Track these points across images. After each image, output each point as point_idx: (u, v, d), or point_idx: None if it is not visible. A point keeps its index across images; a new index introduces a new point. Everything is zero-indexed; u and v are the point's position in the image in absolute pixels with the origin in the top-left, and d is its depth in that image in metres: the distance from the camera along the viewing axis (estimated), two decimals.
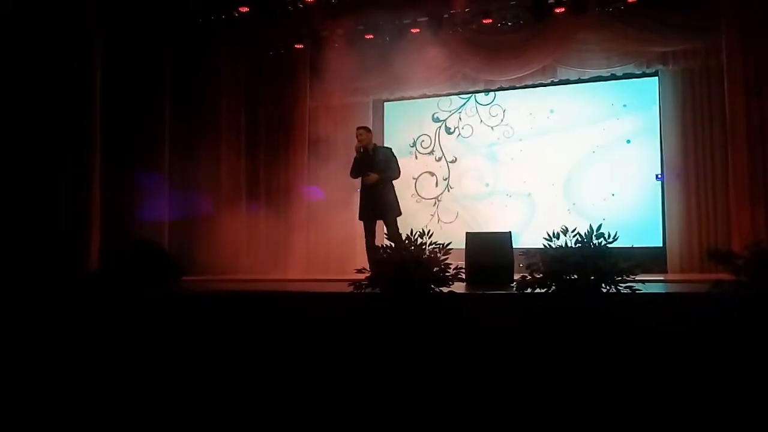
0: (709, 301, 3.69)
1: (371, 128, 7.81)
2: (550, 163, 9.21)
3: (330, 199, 9.59)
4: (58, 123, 7.10)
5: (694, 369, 3.34)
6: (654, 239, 8.53)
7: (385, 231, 6.39)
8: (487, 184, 9.59)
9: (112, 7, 7.56)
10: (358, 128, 7.05)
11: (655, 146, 8.67)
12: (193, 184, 8.87)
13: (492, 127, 9.63)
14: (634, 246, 7.97)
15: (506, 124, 9.54)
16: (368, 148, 6.82)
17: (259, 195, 9.74)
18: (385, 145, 8.23)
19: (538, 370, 3.43)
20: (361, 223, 7.00)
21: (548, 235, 4.07)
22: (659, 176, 8.63)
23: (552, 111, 9.26)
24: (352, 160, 6.98)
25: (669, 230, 8.44)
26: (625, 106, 8.93)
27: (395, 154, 6.94)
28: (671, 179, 8.46)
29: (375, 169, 6.70)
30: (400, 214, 6.78)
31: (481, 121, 9.71)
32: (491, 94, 9.65)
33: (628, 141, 8.87)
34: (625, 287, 3.70)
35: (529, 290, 3.85)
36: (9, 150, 6.90)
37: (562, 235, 4.02)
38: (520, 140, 9.44)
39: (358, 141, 6.84)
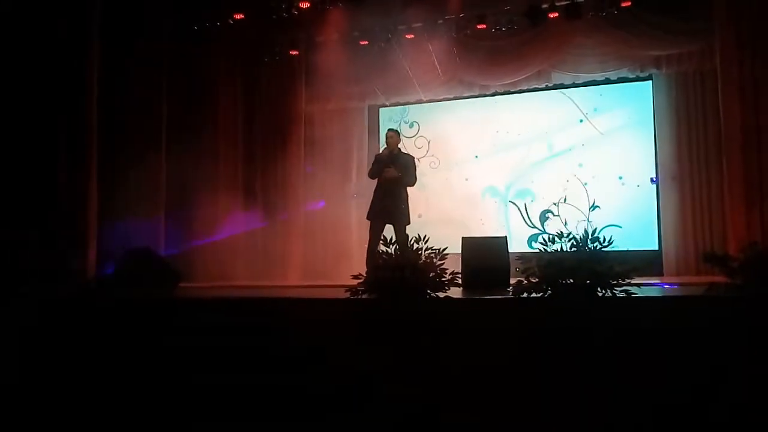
0: (705, 303, 3.70)
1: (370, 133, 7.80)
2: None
3: (326, 204, 9.62)
4: (55, 128, 7.12)
5: (690, 371, 3.36)
6: (649, 242, 8.55)
7: (383, 235, 6.36)
8: (420, 215, 9.37)
9: (110, 15, 7.57)
10: (389, 130, 7.03)
11: (650, 150, 8.71)
12: (190, 191, 8.88)
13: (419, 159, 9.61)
14: (630, 249, 8.09)
15: (432, 155, 9.85)
16: (393, 152, 6.79)
17: (256, 201, 9.74)
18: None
19: (534, 373, 3.43)
20: (359, 228, 6.97)
21: (543, 239, 4.09)
22: (654, 179, 8.66)
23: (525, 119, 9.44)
24: (373, 161, 6.98)
25: (664, 233, 8.46)
26: (596, 110, 9.08)
27: (415, 164, 6.88)
28: (666, 182, 8.50)
29: (393, 167, 6.66)
30: (409, 222, 6.77)
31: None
32: (414, 126, 10.01)
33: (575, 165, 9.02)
34: (621, 291, 3.71)
35: (525, 295, 3.85)
36: (5, 154, 6.91)
37: (557, 239, 4.03)
38: (477, 157, 9.63)
39: (388, 144, 6.80)
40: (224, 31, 9.10)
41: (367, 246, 6.73)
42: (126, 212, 8.05)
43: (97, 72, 7.43)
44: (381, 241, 4.81)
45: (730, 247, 7.58)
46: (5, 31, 6.96)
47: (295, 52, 9.46)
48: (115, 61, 7.86)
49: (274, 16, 8.78)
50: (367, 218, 6.86)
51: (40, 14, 7.09)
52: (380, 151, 6.86)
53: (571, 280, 3.81)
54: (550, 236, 4.09)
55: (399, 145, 6.87)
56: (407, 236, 6.39)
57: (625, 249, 8.33)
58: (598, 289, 3.74)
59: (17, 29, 7.03)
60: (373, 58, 9.13)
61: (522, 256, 4.30)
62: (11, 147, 6.93)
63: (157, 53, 8.54)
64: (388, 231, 6.59)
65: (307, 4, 8.58)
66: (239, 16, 8.90)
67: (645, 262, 7.70)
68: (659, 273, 8.22)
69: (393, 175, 6.59)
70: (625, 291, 3.72)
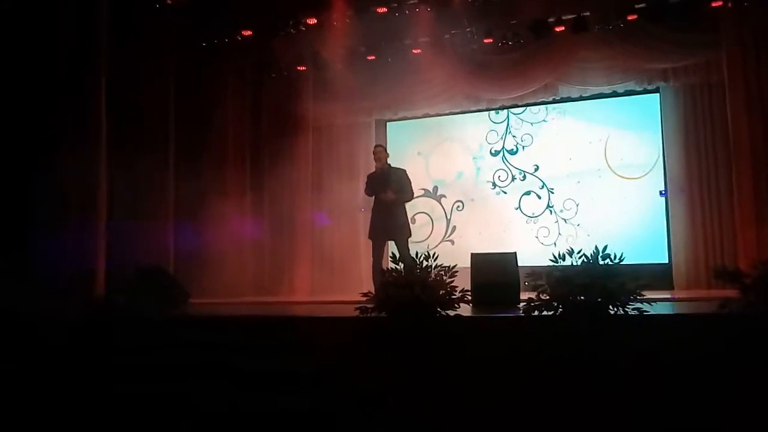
0: (719, 321, 3.66)
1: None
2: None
3: (334, 218, 9.63)
4: (62, 144, 7.13)
5: (704, 389, 3.32)
6: (659, 255, 8.51)
7: (392, 252, 6.36)
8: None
9: (118, 30, 7.62)
10: (377, 146, 7.06)
11: (658, 162, 8.69)
12: (198, 206, 8.91)
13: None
14: (640, 263, 8.04)
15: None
16: (384, 168, 6.81)
17: (264, 215, 9.75)
18: None
19: (545, 394, 3.41)
20: (367, 241, 6.96)
21: (554, 256, 4.08)
22: (663, 192, 8.63)
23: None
24: (366, 178, 7.03)
25: (674, 246, 8.42)
26: (604, 122, 9.08)
27: (409, 176, 6.89)
28: (675, 195, 8.47)
29: (389, 189, 6.68)
30: (410, 235, 6.78)
31: None
32: None
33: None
34: (633, 309, 3.69)
35: (536, 313, 3.83)
36: (12, 171, 6.94)
37: (567, 257, 4.02)
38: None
39: (377, 159, 6.82)
40: (232, 47, 9.16)
41: (372, 264, 6.74)
42: (134, 227, 8.05)
43: (105, 86, 7.45)
44: (390, 258, 4.78)
45: (740, 259, 7.55)
46: (13, 49, 7.03)
47: (302, 68, 9.49)
48: (123, 75, 7.89)
49: (281, 32, 8.84)
50: (369, 238, 6.87)
51: (49, 35, 7.15)
52: (376, 168, 6.87)
53: (582, 298, 3.79)
54: (560, 253, 4.08)
55: (388, 160, 6.87)
56: (409, 250, 6.46)
57: (635, 263, 8.38)
58: (610, 307, 3.72)
59: (26, 47, 7.09)
60: (380, 72, 9.15)
61: (532, 272, 4.27)
62: (17, 163, 6.96)
63: (165, 70, 8.58)
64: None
65: (314, 20, 8.63)
66: (247, 33, 8.95)
67: (655, 276, 7.68)
68: (669, 286, 8.17)
69: (390, 198, 6.60)
70: (638, 309, 3.69)
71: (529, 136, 9.50)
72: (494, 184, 9.62)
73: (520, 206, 9.43)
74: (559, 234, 9.15)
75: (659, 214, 8.65)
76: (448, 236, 9.75)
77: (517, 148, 9.54)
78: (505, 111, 9.62)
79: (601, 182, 9.02)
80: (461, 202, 9.76)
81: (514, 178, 9.53)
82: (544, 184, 9.35)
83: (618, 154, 8.98)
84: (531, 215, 9.37)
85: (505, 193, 9.55)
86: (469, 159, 9.80)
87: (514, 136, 9.59)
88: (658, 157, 8.75)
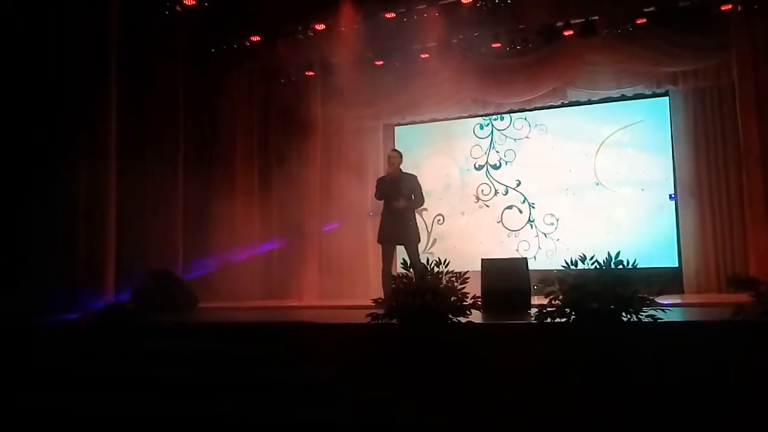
0: (733, 328, 3.63)
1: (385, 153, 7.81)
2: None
3: (342, 222, 9.63)
4: (72, 146, 7.16)
5: (719, 397, 3.30)
6: (669, 259, 8.46)
7: (402, 258, 6.34)
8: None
9: (128, 38, 7.65)
10: (393, 150, 7.08)
11: (668, 166, 8.65)
12: (207, 211, 8.94)
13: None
14: (651, 267, 7.99)
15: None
16: (395, 173, 6.79)
17: (272, 220, 9.77)
18: None
19: (558, 402, 3.39)
20: (375, 246, 6.96)
21: (566, 262, 4.06)
22: (673, 195, 8.59)
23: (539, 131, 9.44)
24: (375, 183, 7.05)
25: (684, 250, 8.37)
26: (613, 126, 9.02)
27: (419, 183, 6.87)
28: (685, 198, 8.42)
29: (400, 195, 6.66)
30: (420, 240, 6.77)
31: None
32: None
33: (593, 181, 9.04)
34: (647, 316, 3.66)
35: (548, 320, 3.81)
36: (20, 173, 6.97)
37: (580, 263, 4.00)
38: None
39: (391, 164, 6.82)
40: (241, 52, 9.19)
41: (381, 269, 6.72)
42: (143, 233, 8.08)
43: (116, 93, 7.48)
44: (401, 264, 4.77)
45: (751, 263, 7.52)
46: (26, 54, 7.08)
47: (310, 73, 9.51)
48: (132, 80, 7.93)
49: (290, 38, 8.86)
50: (378, 242, 6.86)
51: (60, 40, 7.18)
52: (388, 172, 6.88)
53: (595, 305, 3.76)
54: (573, 259, 4.06)
55: (401, 166, 6.86)
56: (419, 256, 6.46)
57: (646, 266, 8.33)
58: (623, 313, 3.70)
59: (38, 52, 7.13)
60: (388, 77, 9.15)
61: (544, 278, 4.25)
62: (26, 165, 7.01)
63: (174, 75, 8.62)
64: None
65: (323, 26, 8.65)
66: (255, 38, 8.98)
67: (666, 281, 7.64)
68: (680, 291, 8.11)
69: (402, 206, 6.59)
70: (651, 316, 3.67)
71: (512, 151, 9.52)
72: (477, 198, 9.64)
73: (502, 220, 9.45)
74: (539, 248, 9.17)
75: (660, 222, 8.60)
76: (429, 248, 9.68)
77: (501, 163, 9.57)
78: (490, 126, 9.66)
79: (586, 196, 9.03)
80: (441, 215, 9.78)
81: (497, 192, 9.54)
82: (525, 198, 9.37)
83: (605, 168, 8.99)
84: (512, 229, 9.39)
85: (488, 206, 9.56)
86: (453, 173, 9.80)
87: (497, 152, 9.61)
88: (643, 171, 8.75)
